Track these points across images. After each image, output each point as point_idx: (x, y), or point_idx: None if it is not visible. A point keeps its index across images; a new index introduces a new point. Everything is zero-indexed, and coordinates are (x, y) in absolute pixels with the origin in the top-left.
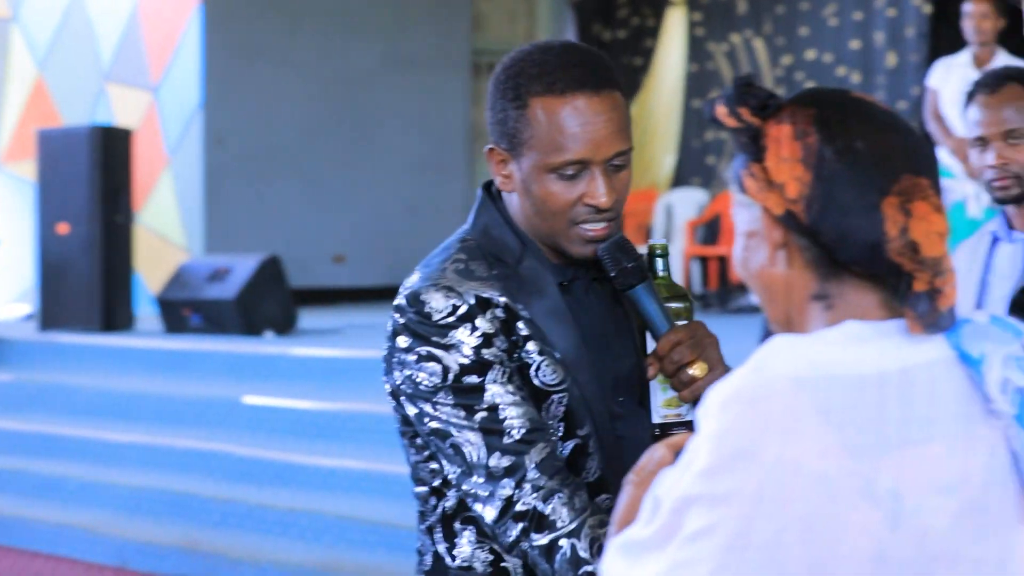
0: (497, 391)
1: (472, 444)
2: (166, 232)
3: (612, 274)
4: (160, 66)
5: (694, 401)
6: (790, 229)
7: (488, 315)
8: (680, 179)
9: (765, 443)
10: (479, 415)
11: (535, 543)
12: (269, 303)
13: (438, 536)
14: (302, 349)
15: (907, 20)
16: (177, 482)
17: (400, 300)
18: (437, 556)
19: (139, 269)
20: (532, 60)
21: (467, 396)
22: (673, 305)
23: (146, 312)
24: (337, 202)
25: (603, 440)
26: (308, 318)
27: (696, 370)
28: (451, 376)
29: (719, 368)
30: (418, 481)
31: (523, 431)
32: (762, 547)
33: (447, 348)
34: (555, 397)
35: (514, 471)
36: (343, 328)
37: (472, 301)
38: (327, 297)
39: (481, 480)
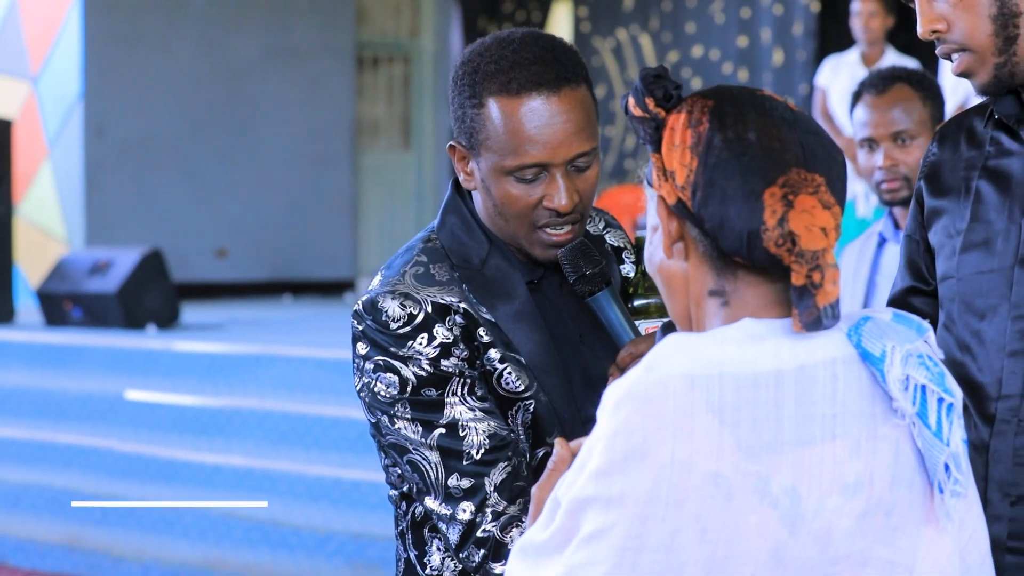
0: (457, 406)
1: (430, 463)
2: (46, 224)
3: (572, 280)
4: (40, 56)
5: None
6: (684, 219)
7: (447, 322)
8: None
9: (658, 443)
10: (437, 432)
11: (493, 571)
12: (151, 297)
13: (409, 542)
14: (185, 344)
15: (794, 17)
16: (58, 478)
17: (358, 306)
18: (409, 563)
19: (19, 262)
20: (489, 55)
21: (425, 410)
22: (654, 301)
23: (26, 305)
24: (219, 195)
25: None
26: (190, 312)
27: None
28: (409, 388)
29: None
30: (390, 485)
31: (483, 451)
32: (657, 548)
33: (405, 360)
34: (521, 404)
35: (474, 493)
36: (226, 323)
37: (429, 309)
38: (209, 291)
39: (440, 501)
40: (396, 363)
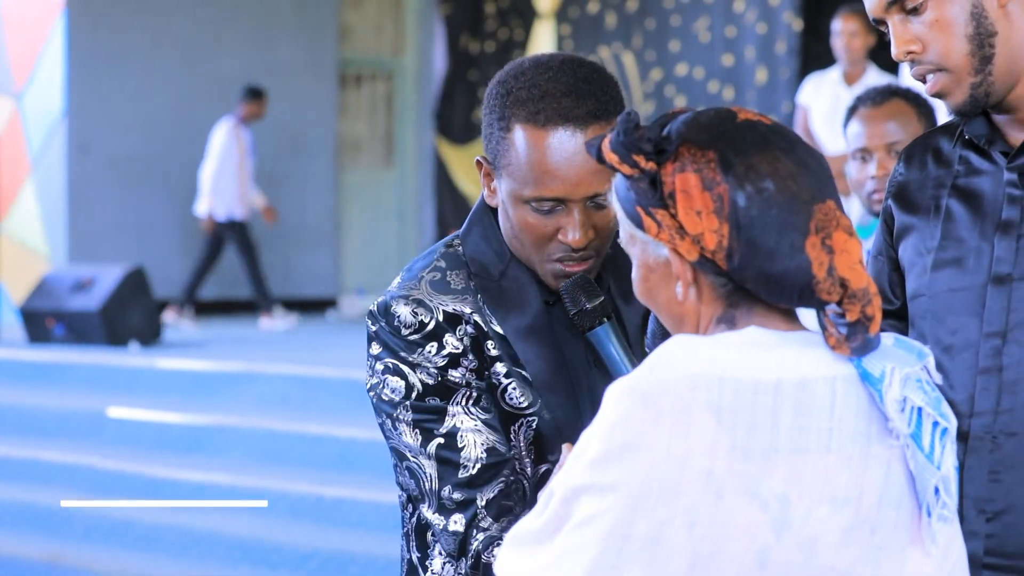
0: (459, 417)
1: (426, 471)
2: (29, 241)
3: (572, 313)
4: (23, 73)
5: None
6: (703, 271)
7: (457, 332)
8: None
9: (655, 436)
10: (436, 442)
11: None
12: (134, 314)
13: (413, 545)
14: (168, 361)
15: (777, 36)
16: (41, 495)
17: (373, 307)
18: (411, 564)
19: (1, 279)
20: (524, 79)
21: (427, 419)
22: None
23: (8, 322)
24: None
25: None
26: (173, 330)
27: None
28: (414, 394)
29: None
30: (398, 485)
31: (479, 465)
32: (644, 538)
33: (413, 366)
34: (524, 420)
35: (465, 507)
36: (209, 340)
37: (440, 317)
38: (192, 308)
39: (433, 510)
40: (404, 368)
